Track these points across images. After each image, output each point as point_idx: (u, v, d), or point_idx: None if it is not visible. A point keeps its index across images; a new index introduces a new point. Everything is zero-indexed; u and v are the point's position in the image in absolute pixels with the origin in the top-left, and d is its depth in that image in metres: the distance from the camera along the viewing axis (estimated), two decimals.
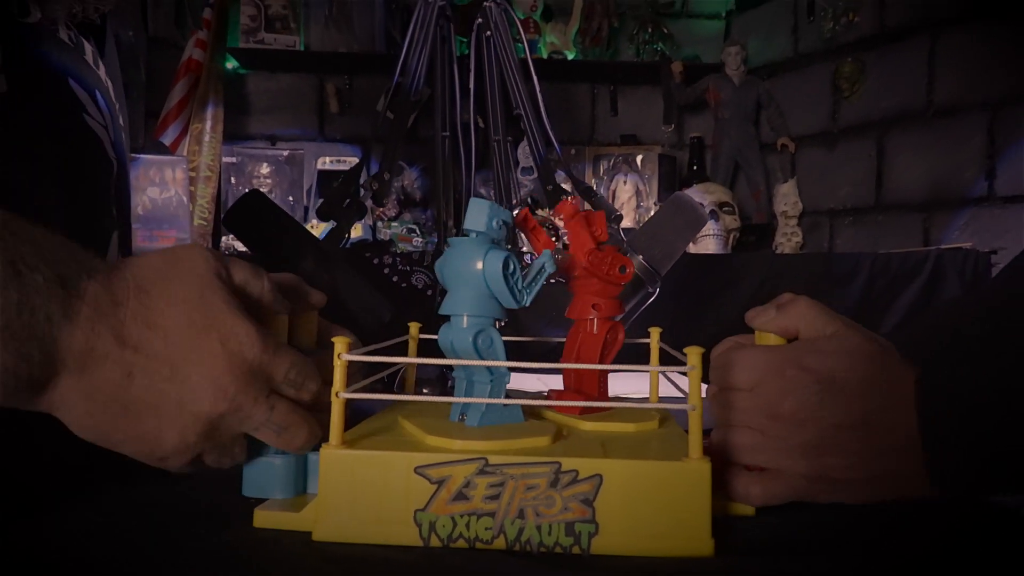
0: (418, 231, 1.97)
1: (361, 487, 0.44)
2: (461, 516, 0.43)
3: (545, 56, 2.28)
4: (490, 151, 1.43)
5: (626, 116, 2.40)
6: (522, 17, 2.27)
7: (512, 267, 0.50)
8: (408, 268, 1.45)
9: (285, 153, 2.17)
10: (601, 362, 0.57)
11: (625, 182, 2.29)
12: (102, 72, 0.69)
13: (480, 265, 0.50)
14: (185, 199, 1.87)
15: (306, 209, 2.15)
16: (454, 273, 0.51)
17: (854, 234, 2.02)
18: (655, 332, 0.63)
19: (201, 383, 0.43)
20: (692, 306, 1.49)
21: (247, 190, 0.97)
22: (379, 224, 2.05)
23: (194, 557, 0.42)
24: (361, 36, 2.21)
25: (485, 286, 0.50)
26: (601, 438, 0.49)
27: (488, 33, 1.34)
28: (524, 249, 1.43)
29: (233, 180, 2.11)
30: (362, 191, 1.18)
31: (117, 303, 0.42)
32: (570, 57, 2.30)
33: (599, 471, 0.43)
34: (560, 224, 0.57)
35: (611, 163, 2.33)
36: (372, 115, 2.24)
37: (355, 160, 2.14)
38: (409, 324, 0.65)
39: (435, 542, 0.43)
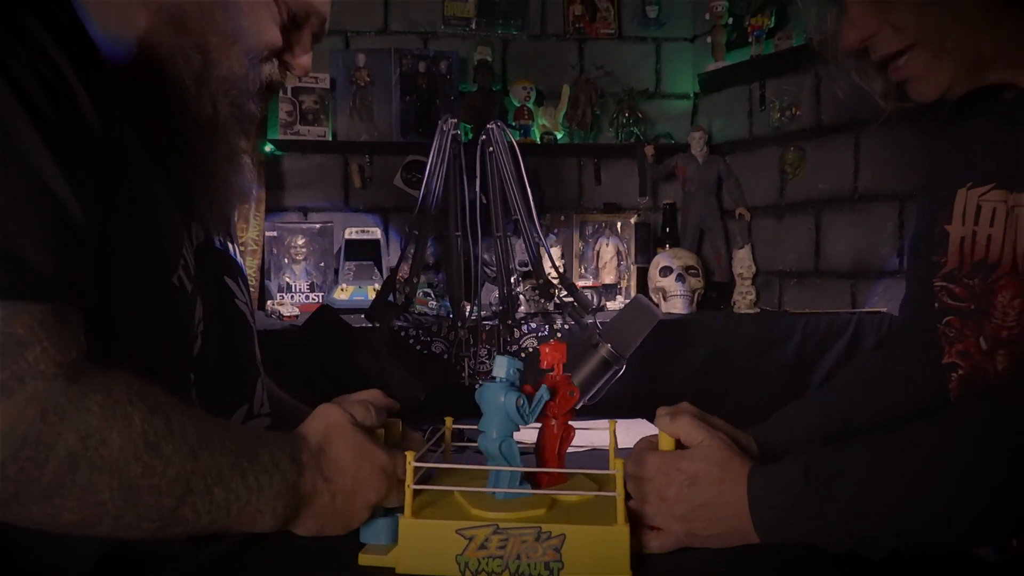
0: (432, 294, 2.24)
1: (425, 540, 0.73)
2: (483, 559, 0.72)
3: (538, 138, 2.58)
4: (493, 239, 1.72)
5: (608, 186, 2.66)
6: (517, 105, 2.58)
7: (522, 403, 0.79)
8: (428, 338, 1.73)
9: (317, 226, 2.46)
10: (559, 447, 0.85)
11: (607, 244, 2.58)
12: (240, 259, 0.97)
13: (503, 400, 0.79)
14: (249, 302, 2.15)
15: (336, 271, 2.42)
16: (487, 404, 0.80)
17: (799, 293, 2.31)
18: (612, 424, 0.92)
19: (367, 490, 0.73)
20: (656, 366, 1.78)
21: (317, 307, 1.26)
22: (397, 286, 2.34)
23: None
24: (380, 125, 2.51)
25: (506, 414, 0.79)
26: (568, 507, 0.78)
27: (491, 149, 1.63)
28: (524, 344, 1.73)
29: (275, 251, 2.39)
30: (395, 295, 1.47)
31: (316, 458, 0.72)
32: (559, 136, 2.59)
33: (563, 532, 0.71)
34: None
35: (595, 228, 2.62)
36: (390, 189, 2.55)
37: (377, 230, 2.43)
38: (445, 419, 0.94)
39: (470, 572, 0.72)
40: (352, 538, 0.77)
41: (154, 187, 0.76)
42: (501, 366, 0.80)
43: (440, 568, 0.72)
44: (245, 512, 0.66)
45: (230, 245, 0.93)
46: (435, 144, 1.59)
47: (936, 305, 0.88)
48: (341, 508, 0.73)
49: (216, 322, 0.84)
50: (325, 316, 1.19)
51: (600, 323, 1.47)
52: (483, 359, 1.74)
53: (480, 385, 0.81)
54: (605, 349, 1.31)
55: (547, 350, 0.86)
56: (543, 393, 0.81)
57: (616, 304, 2.44)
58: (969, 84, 0.77)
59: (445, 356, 1.75)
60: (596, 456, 1.21)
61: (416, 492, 0.74)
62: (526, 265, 1.78)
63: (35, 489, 0.56)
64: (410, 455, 0.75)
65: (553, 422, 0.84)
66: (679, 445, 0.81)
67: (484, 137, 1.67)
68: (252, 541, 0.74)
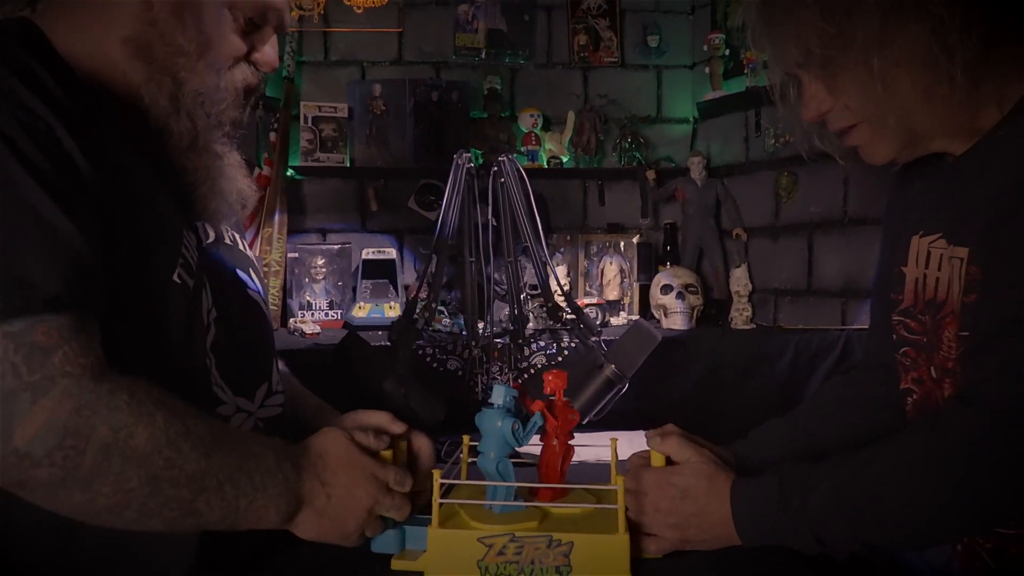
0: (445, 312, 2.33)
1: (451, 548, 0.83)
2: (501, 564, 0.81)
3: (545, 162, 2.68)
4: (504, 262, 1.81)
5: (612, 207, 2.75)
6: (525, 131, 2.68)
7: (517, 427, 0.89)
8: (444, 356, 1.83)
9: (336, 247, 2.56)
10: (561, 464, 0.95)
11: (611, 262, 2.68)
12: (249, 252, 1.04)
13: (500, 424, 0.88)
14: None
15: (353, 289, 2.52)
16: (485, 428, 0.89)
17: (793, 311, 2.39)
18: (613, 442, 1.01)
19: (360, 494, 0.82)
20: (656, 381, 1.87)
21: (345, 334, 1.36)
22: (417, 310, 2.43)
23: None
24: (395, 151, 2.62)
25: (503, 437, 0.89)
26: (575, 517, 0.88)
27: (503, 180, 1.73)
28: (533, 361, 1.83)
29: (296, 271, 2.50)
30: (416, 318, 1.57)
31: (314, 464, 0.81)
32: (565, 160, 2.69)
33: (571, 539, 0.81)
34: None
35: (600, 247, 2.72)
36: (404, 211, 2.65)
37: (392, 250, 2.54)
38: (463, 437, 1.03)
39: None
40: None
41: (151, 197, 0.83)
42: (499, 394, 0.90)
43: (464, 572, 0.81)
44: (251, 509, 0.75)
45: (239, 239, 1.01)
46: (451, 177, 1.69)
47: (894, 337, 0.98)
48: (336, 510, 0.81)
49: (231, 310, 0.91)
50: (353, 342, 1.29)
51: (604, 343, 1.57)
52: (495, 376, 1.84)
53: (480, 411, 0.90)
54: (609, 370, 1.41)
55: (550, 377, 0.96)
56: (536, 419, 0.91)
57: (619, 320, 2.53)
58: (914, 152, 0.87)
59: (460, 373, 1.84)
60: (600, 469, 1.30)
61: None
62: (536, 288, 1.88)
63: (78, 475, 0.66)
64: (436, 473, 0.85)
65: (555, 442, 0.94)
66: (669, 461, 0.91)
67: (496, 168, 1.77)
68: (301, 549, 0.84)
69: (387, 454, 0.89)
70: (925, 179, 0.96)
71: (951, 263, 0.87)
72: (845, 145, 0.90)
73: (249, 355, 0.94)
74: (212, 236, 0.94)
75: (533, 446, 0.95)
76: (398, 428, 0.95)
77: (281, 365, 1.04)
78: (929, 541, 0.89)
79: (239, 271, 0.97)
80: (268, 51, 0.92)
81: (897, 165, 0.98)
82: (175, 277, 0.81)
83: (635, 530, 0.87)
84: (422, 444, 0.97)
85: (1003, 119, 0.82)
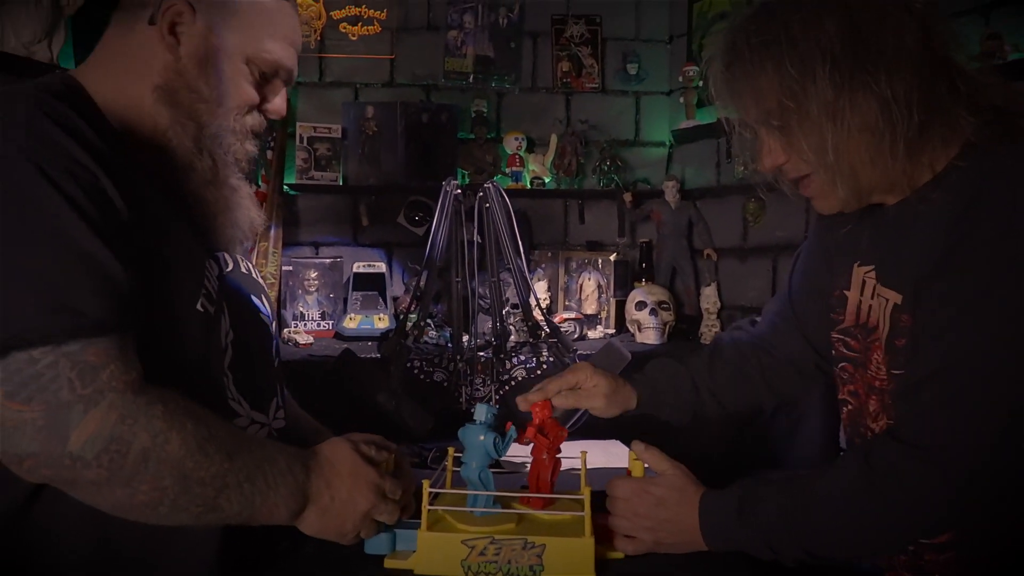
0: (432, 324, 2.43)
1: (437, 549, 0.93)
2: (482, 563, 0.91)
3: (529, 182, 2.78)
4: (487, 279, 1.92)
5: (591, 226, 2.86)
6: (510, 153, 2.79)
7: (497, 440, 0.99)
8: (431, 369, 1.93)
9: (328, 261, 2.65)
10: (550, 475, 1.05)
11: (590, 278, 2.79)
12: (260, 279, 1.13)
13: (482, 439, 0.99)
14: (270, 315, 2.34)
15: (344, 300, 2.61)
16: (469, 442, 1.00)
17: None
18: (583, 455, 1.11)
19: (360, 499, 0.92)
20: None
21: (341, 351, 1.45)
22: (400, 316, 2.52)
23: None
24: (386, 170, 2.71)
25: (484, 449, 0.99)
26: (549, 523, 0.98)
27: (487, 205, 1.83)
28: (514, 374, 1.93)
29: (290, 283, 2.59)
30: (407, 335, 1.67)
31: (322, 468, 0.91)
32: (547, 181, 2.79)
33: (544, 542, 0.91)
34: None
35: (579, 263, 2.82)
36: (394, 226, 2.75)
37: (382, 264, 2.62)
38: (448, 449, 1.13)
39: (471, 573, 0.91)
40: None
41: (177, 232, 0.92)
42: (481, 412, 1.00)
43: (449, 570, 0.91)
44: (265, 506, 0.84)
45: (252, 268, 1.11)
46: (440, 202, 1.79)
47: (834, 352, 1.09)
48: (337, 511, 0.90)
49: (246, 333, 1.00)
50: (348, 359, 1.39)
51: (579, 360, 1.67)
52: (478, 387, 1.94)
53: (464, 427, 1.01)
54: None
55: (537, 409, 1.08)
56: (512, 433, 1.02)
57: (596, 333, 2.64)
58: (859, 203, 0.97)
59: (445, 384, 1.94)
60: (574, 477, 1.40)
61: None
62: (517, 308, 1.98)
63: (121, 475, 0.75)
64: (426, 483, 0.95)
65: (544, 456, 1.05)
66: (647, 472, 1.02)
67: (481, 194, 1.87)
68: (305, 550, 0.94)
69: (384, 464, 0.99)
70: (861, 224, 1.05)
71: (879, 299, 0.98)
72: (800, 193, 1.00)
73: (261, 373, 1.03)
74: (231, 265, 1.04)
75: (510, 456, 1.05)
76: (392, 446, 1.05)
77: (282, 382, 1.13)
78: (861, 555, 1.02)
79: (252, 297, 1.06)
80: (278, 102, 1.04)
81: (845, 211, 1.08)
82: (198, 306, 0.91)
83: (615, 532, 0.98)
84: (402, 462, 1.06)
85: (934, 178, 0.92)
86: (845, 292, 1.07)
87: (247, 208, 1.04)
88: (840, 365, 1.08)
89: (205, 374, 0.93)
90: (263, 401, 1.02)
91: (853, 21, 0.86)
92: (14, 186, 0.75)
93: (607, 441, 1.66)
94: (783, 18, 0.88)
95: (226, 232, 1.01)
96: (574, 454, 1.09)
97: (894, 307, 0.96)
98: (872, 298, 1.01)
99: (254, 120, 1.01)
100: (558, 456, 1.07)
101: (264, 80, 1.01)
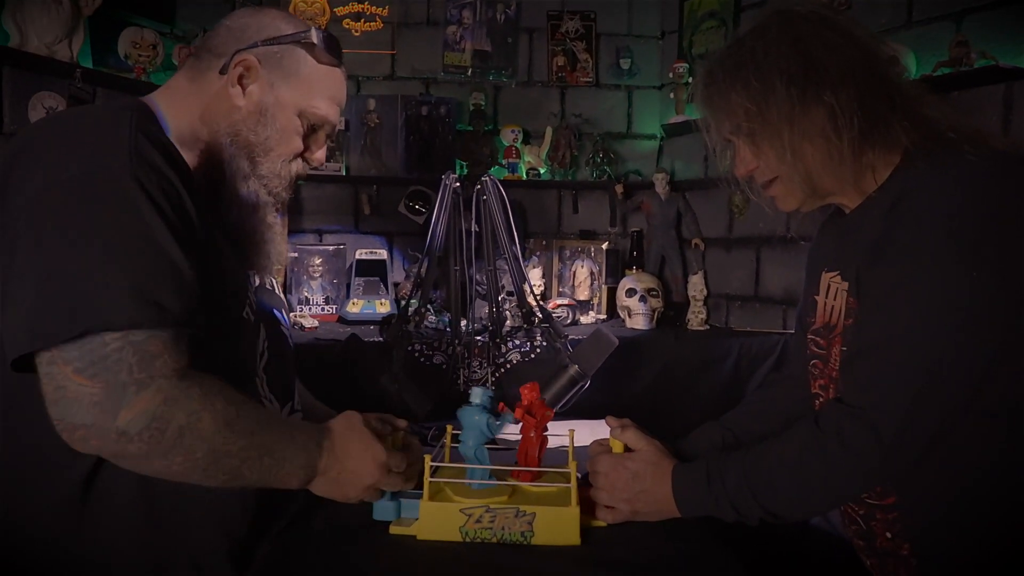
0: (432, 309, 2.50)
1: (438, 516, 1.01)
2: (478, 529, 1.00)
3: (524, 173, 2.85)
4: (484, 267, 1.99)
5: (584, 215, 2.94)
6: (507, 145, 2.86)
7: (492, 421, 1.07)
8: (431, 352, 2.00)
9: (332, 248, 2.72)
10: (538, 452, 1.14)
11: (582, 266, 2.87)
12: (280, 292, 1.25)
13: (478, 419, 1.07)
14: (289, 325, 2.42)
15: (347, 286, 2.68)
16: (466, 422, 1.08)
17: (742, 315, 2.59)
18: (571, 432, 1.20)
19: (364, 472, 1.00)
20: (617, 377, 2.06)
21: (347, 336, 1.53)
22: (400, 301, 2.60)
23: (368, 538, 1.00)
24: (387, 161, 2.78)
25: (480, 429, 1.07)
26: (538, 494, 1.07)
27: (484, 198, 1.90)
28: (509, 357, 2.01)
29: (295, 269, 2.66)
30: (408, 321, 1.74)
31: (333, 442, 0.99)
32: (542, 172, 2.87)
33: (534, 511, 1.00)
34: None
35: (572, 251, 2.90)
36: (395, 215, 2.82)
37: (383, 251, 2.70)
38: (447, 426, 1.21)
39: (468, 539, 1.00)
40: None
41: (225, 250, 1.04)
42: (477, 395, 1.09)
43: (448, 535, 1.00)
44: (281, 474, 0.94)
45: (276, 285, 1.22)
46: (439, 194, 1.86)
47: (807, 351, 1.18)
48: (345, 481, 0.99)
49: (275, 342, 1.12)
50: (353, 345, 1.47)
51: (570, 345, 1.75)
52: (475, 369, 2.02)
53: (461, 408, 1.09)
54: (573, 369, 1.59)
55: (526, 391, 1.16)
56: (506, 416, 1.10)
57: (588, 318, 2.72)
58: (815, 203, 1.08)
59: (444, 367, 2.02)
60: (562, 453, 1.49)
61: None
62: (512, 295, 2.06)
63: (159, 448, 0.84)
64: (427, 458, 1.03)
65: (532, 434, 1.13)
66: (626, 449, 1.11)
67: (479, 187, 1.94)
68: (320, 515, 1.03)
69: (390, 439, 1.08)
70: (833, 227, 1.17)
71: (840, 294, 1.07)
72: (766, 195, 1.11)
73: (281, 378, 1.13)
74: (258, 282, 1.15)
75: (504, 435, 1.13)
76: (400, 424, 1.14)
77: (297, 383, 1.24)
78: (815, 511, 1.12)
79: (275, 310, 1.17)
80: (320, 154, 1.15)
81: (802, 212, 1.17)
82: (244, 314, 1.02)
83: (596, 503, 1.07)
84: (412, 441, 1.15)
85: (878, 187, 1.03)
86: (815, 297, 1.16)
87: (279, 243, 1.14)
88: (812, 363, 1.17)
89: (245, 375, 1.04)
90: (286, 399, 1.13)
91: (806, 47, 0.98)
92: (120, 197, 0.86)
93: (594, 421, 1.74)
94: (750, 45, 1.02)
95: (259, 259, 1.11)
96: (563, 432, 1.17)
97: (846, 294, 1.06)
98: (834, 299, 1.10)
99: (298, 166, 1.12)
100: (545, 434, 1.15)
101: (311, 131, 1.11)
